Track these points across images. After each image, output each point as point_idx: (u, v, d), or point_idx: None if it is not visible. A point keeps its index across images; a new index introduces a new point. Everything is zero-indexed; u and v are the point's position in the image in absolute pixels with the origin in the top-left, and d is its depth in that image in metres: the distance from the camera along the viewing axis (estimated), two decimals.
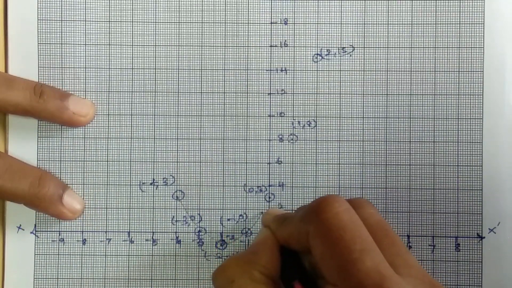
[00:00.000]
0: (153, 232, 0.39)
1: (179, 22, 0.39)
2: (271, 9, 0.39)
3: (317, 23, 0.39)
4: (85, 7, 0.39)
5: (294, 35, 0.39)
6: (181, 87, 0.39)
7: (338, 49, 0.39)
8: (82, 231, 0.39)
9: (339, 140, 0.39)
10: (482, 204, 0.39)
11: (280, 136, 0.39)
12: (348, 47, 0.39)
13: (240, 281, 0.29)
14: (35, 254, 0.39)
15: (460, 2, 0.39)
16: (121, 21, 0.39)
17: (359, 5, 0.39)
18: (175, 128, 0.39)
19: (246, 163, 0.39)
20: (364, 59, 0.39)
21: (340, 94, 0.39)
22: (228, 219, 0.39)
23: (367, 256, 0.27)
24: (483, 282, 0.38)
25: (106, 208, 0.39)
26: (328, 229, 0.28)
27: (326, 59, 0.39)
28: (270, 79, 0.39)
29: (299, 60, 0.39)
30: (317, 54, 0.39)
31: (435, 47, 0.39)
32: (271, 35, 0.39)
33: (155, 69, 0.39)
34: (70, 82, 0.39)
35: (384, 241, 0.29)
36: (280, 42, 0.39)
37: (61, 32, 0.39)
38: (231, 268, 0.30)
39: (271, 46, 0.39)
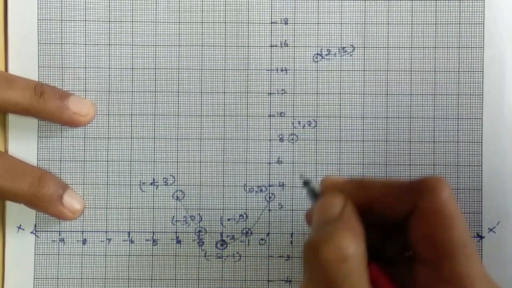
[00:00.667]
0: (153, 232, 0.39)
1: (179, 22, 0.39)
2: (271, 9, 0.39)
3: (318, 23, 0.39)
4: (85, 7, 0.39)
5: (294, 35, 0.39)
6: (181, 87, 0.39)
7: (339, 49, 0.39)
8: (82, 231, 0.39)
9: (339, 140, 0.39)
10: (482, 204, 0.39)
11: (280, 136, 0.39)
12: (348, 47, 0.39)
13: (354, 262, 0.26)
14: (35, 254, 0.39)
15: (460, 2, 0.39)
16: (121, 21, 0.39)
17: (359, 5, 0.39)
18: (175, 128, 0.39)
19: (246, 163, 0.39)
20: (364, 59, 0.39)
21: (340, 94, 0.39)
22: (228, 219, 0.39)
23: (472, 251, 0.27)
24: None
25: (106, 208, 0.39)
26: (443, 210, 0.27)
27: (327, 59, 0.39)
28: (270, 79, 0.39)
29: (299, 60, 0.39)
30: (318, 54, 0.39)
31: (435, 47, 0.39)
32: (271, 35, 0.39)
33: (155, 69, 0.39)
34: (70, 82, 0.39)
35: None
36: (281, 42, 0.39)
37: (61, 32, 0.39)
38: (344, 241, 0.26)
39: (271, 46, 0.39)
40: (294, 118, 0.39)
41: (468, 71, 0.39)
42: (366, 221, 0.28)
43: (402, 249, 0.29)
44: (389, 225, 0.29)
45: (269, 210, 0.39)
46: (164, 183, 0.39)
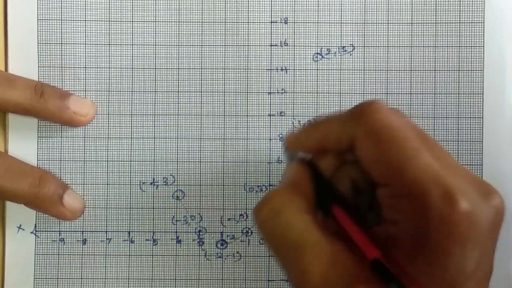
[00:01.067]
0: (153, 232, 0.39)
1: (179, 22, 0.40)
2: (271, 8, 0.39)
3: (317, 22, 0.39)
4: (85, 7, 0.39)
5: (294, 34, 0.39)
6: (181, 87, 0.39)
7: (339, 48, 0.39)
8: (83, 231, 0.39)
9: None
10: None
11: (280, 136, 0.39)
12: (348, 46, 0.39)
13: (287, 212, 0.28)
14: (35, 254, 0.39)
15: (460, 1, 0.39)
16: (121, 21, 0.39)
17: (359, 4, 0.39)
18: (175, 128, 0.39)
19: (247, 162, 0.39)
20: (364, 58, 0.39)
21: (340, 93, 0.39)
22: (229, 219, 0.39)
23: (422, 154, 0.27)
24: None
25: (106, 208, 0.39)
26: (380, 129, 0.28)
27: (327, 58, 0.39)
28: (270, 78, 0.39)
29: (299, 59, 0.39)
30: (317, 53, 0.39)
31: (435, 46, 0.39)
32: (271, 34, 0.39)
33: (155, 69, 0.39)
34: (70, 81, 0.39)
35: (424, 145, 0.28)
36: (280, 41, 0.39)
37: (61, 32, 0.39)
38: (276, 200, 0.29)
39: (271, 45, 0.39)
40: (294, 117, 0.39)
41: (469, 70, 0.39)
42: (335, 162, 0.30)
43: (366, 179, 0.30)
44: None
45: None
46: (164, 183, 0.39)
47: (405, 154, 0.27)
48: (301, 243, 0.28)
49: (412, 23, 0.39)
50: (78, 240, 0.39)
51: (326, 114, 0.31)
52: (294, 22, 0.39)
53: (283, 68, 0.39)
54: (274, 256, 0.29)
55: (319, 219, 0.29)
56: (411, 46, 0.39)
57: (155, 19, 0.39)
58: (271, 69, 0.39)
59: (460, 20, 0.39)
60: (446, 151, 0.30)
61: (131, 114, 0.39)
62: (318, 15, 0.39)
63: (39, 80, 0.39)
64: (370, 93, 0.39)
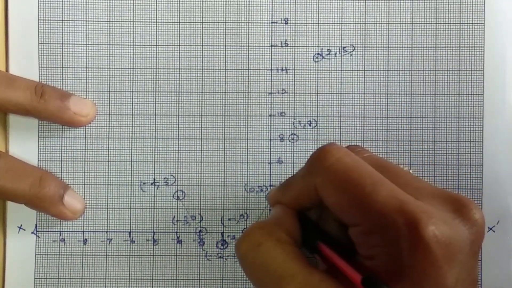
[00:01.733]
0: (154, 232, 0.39)
1: (179, 22, 0.39)
2: (272, 8, 0.39)
3: (318, 23, 0.39)
4: (86, 7, 0.39)
5: (294, 34, 0.39)
6: (182, 87, 0.39)
7: (339, 49, 0.39)
8: (83, 231, 0.39)
9: (340, 140, 0.39)
10: (482, 203, 0.39)
11: (281, 136, 0.39)
12: (348, 47, 0.39)
13: (268, 243, 0.29)
14: (36, 254, 0.39)
15: (460, 2, 0.39)
16: (121, 21, 0.39)
17: (360, 4, 0.39)
18: (176, 128, 0.39)
19: (247, 163, 0.39)
20: (364, 58, 0.39)
21: (341, 93, 0.39)
22: (229, 219, 0.39)
23: (380, 187, 0.27)
24: (482, 280, 0.38)
25: (107, 208, 0.39)
26: (334, 174, 0.28)
27: (327, 58, 0.39)
28: (271, 78, 0.39)
29: (299, 60, 0.39)
30: (318, 53, 0.39)
31: (435, 47, 0.39)
32: (271, 34, 0.39)
33: (156, 69, 0.39)
34: (70, 82, 0.39)
35: (388, 176, 0.29)
36: (281, 41, 0.39)
37: (62, 32, 0.39)
38: (257, 232, 0.30)
39: (271, 46, 0.39)
40: (295, 118, 0.39)
41: (469, 71, 0.39)
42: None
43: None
44: None
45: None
46: (165, 183, 0.39)
47: (363, 192, 0.27)
48: (282, 274, 0.28)
49: (412, 23, 0.39)
50: (78, 240, 0.39)
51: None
52: (295, 23, 0.39)
53: (284, 68, 0.39)
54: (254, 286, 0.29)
55: (300, 252, 0.29)
56: (411, 47, 0.39)
57: (155, 19, 0.39)
58: (271, 70, 0.39)
59: (460, 21, 0.39)
60: (412, 175, 0.30)
61: (132, 114, 0.39)
62: (318, 16, 0.39)
63: (40, 80, 0.39)
64: (370, 93, 0.39)
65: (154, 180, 0.39)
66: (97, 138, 0.39)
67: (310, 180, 0.29)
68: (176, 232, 0.39)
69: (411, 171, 0.33)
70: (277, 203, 0.32)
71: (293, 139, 0.39)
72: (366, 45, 0.39)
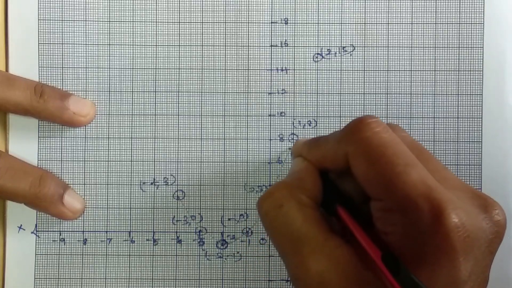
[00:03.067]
0: (153, 232, 0.39)
1: (179, 22, 0.40)
2: (272, 8, 0.39)
3: (318, 23, 0.39)
4: (85, 7, 0.39)
5: (294, 34, 0.39)
6: (182, 87, 0.39)
7: (339, 49, 0.39)
8: (83, 231, 0.39)
9: None
10: None
11: (280, 136, 0.39)
12: (348, 47, 0.39)
13: (289, 205, 0.29)
14: (36, 254, 0.39)
15: (460, 2, 0.39)
16: (121, 21, 0.39)
17: (360, 4, 0.39)
18: (175, 128, 0.39)
19: (247, 162, 0.39)
20: (364, 58, 0.39)
21: (340, 93, 0.39)
22: (229, 219, 0.39)
23: (412, 169, 0.27)
24: None
25: (107, 208, 0.39)
26: (369, 147, 0.28)
27: (327, 58, 0.39)
28: (271, 78, 0.39)
29: (299, 60, 0.39)
30: (318, 53, 0.39)
31: (435, 47, 0.39)
32: (271, 34, 0.39)
33: (156, 69, 0.39)
34: (70, 82, 0.39)
35: (420, 158, 0.29)
36: (281, 41, 0.39)
37: (62, 32, 0.39)
38: (279, 193, 0.30)
39: (271, 46, 0.39)
40: (294, 118, 0.39)
41: (468, 71, 0.39)
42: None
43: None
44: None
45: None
46: (165, 183, 0.39)
47: (394, 170, 0.27)
48: (299, 236, 0.28)
49: (412, 23, 0.39)
50: (78, 240, 0.39)
51: (326, 133, 0.32)
52: (295, 23, 0.39)
53: (284, 68, 0.39)
54: (276, 248, 0.30)
55: (320, 216, 0.29)
56: (411, 47, 0.39)
57: (155, 19, 0.39)
58: (271, 70, 0.39)
59: (460, 21, 0.39)
60: (443, 165, 0.31)
61: (132, 114, 0.39)
62: (318, 16, 0.39)
63: (40, 80, 0.39)
64: (370, 93, 0.39)
65: (154, 180, 0.39)
66: (97, 138, 0.39)
67: (343, 146, 0.29)
68: (176, 232, 0.39)
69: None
70: (300, 157, 0.32)
71: (293, 139, 0.39)
72: (366, 45, 0.39)
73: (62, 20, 0.39)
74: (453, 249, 0.26)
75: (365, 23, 0.39)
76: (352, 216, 0.29)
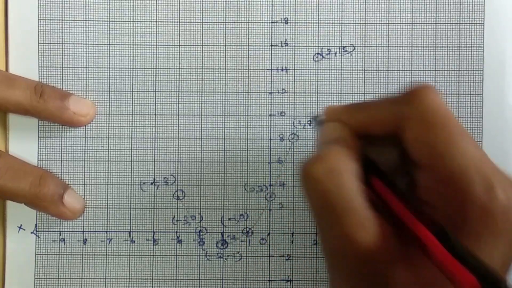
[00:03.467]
0: (154, 232, 0.39)
1: (179, 22, 0.40)
2: (272, 8, 0.39)
3: (318, 22, 0.39)
4: (86, 7, 0.39)
5: (294, 34, 0.39)
6: (182, 87, 0.39)
7: (339, 48, 0.39)
8: (83, 231, 0.39)
9: None
10: None
11: (281, 136, 0.39)
12: (348, 46, 0.39)
13: (344, 174, 0.28)
14: (36, 254, 0.39)
15: (460, 1, 0.39)
16: (121, 21, 0.39)
17: (360, 4, 0.39)
18: (175, 128, 0.39)
19: (247, 162, 0.39)
20: (364, 58, 0.39)
21: (341, 93, 0.39)
22: (229, 219, 0.39)
23: (468, 141, 0.27)
24: None
25: (107, 208, 0.39)
26: (431, 112, 0.28)
27: (327, 58, 0.39)
28: (271, 78, 0.39)
29: (299, 60, 0.39)
30: (318, 53, 0.39)
31: (435, 46, 0.39)
32: (271, 34, 0.39)
33: (156, 69, 0.39)
34: (70, 82, 0.39)
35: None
36: (281, 41, 0.39)
37: (62, 32, 0.39)
38: (333, 159, 0.28)
39: (271, 46, 0.39)
40: (295, 117, 0.39)
41: (468, 71, 0.39)
42: (368, 142, 0.30)
43: (403, 162, 0.30)
44: (390, 141, 0.30)
45: (270, 209, 0.39)
46: (165, 183, 0.39)
47: (452, 140, 0.27)
48: (351, 206, 0.27)
49: (412, 23, 0.39)
50: (78, 240, 0.39)
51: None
52: (295, 22, 0.39)
53: (284, 68, 0.39)
54: (315, 217, 0.29)
55: (363, 187, 0.29)
56: (411, 46, 0.39)
57: (155, 19, 0.39)
58: (271, 69, 0.39)
59: (460, 21, 0.39)
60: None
61: (132, 114, 0.39)
62: (318, 15, 0.39)
63: (40, 80, 0.39)
64: (370, 93, 0.39)
65: (154, 180, 0.39)
66: (97, 138, 0.39)
67: (399, 107, 0.29)
68: (176, 232, 0.39)
69: None
70: (338, 121, 0.31)
71: (293, 139, 0.39)
72: (366, 45, 0.39)
73: (62, 20, 0.39)
74: (498, 227, 0.26)
75: (365, 23, 0.39)
76: (387, 187, 0.29)
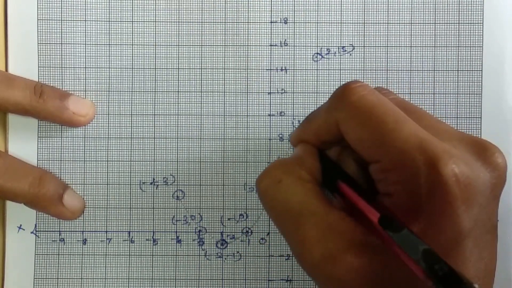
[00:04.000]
0: (153, 231, 0.39)
1: (179, 22, 0.40)
2: (271, 8, 0.39)
3: (317, 22, 0.39)
4: (85, 7, 0.39)
5: (294, 34, 0.39)
6: (181, 87, 0.39)
7: (338, 48, 0.39)
8: (83, 231, 0.39)
9: None
10: None
11: (280, 136, 0.39)
12: (348, 46, 0.39)
13: (288, 180, 0.29)
14: (35, 254, 0.39)
15: (459, 2, 0.39)
16: (121, 21, 0.39)
17: (359, 4, 0.39)
18: (175, 128, 0.39)
19: (247, 162, 0.39)
20: (364, 58, 0.39)
21: None
22: (229, 219, 0.39)
23: (403, 125, 0.27)
24: None
25: (107, 208, 0.39)
26: (358, 110, 0.28)
27: (326, 58, 0.39)
28: (270, 78, 0.39)
29: (299, 59, 0.39)
30: (317, 53, 0.39)
31: (434, 46, 0.39)
32: (271, 34, 0.39)
33: (155, 69, 0.39)
34: (70, 82, 0.39)
35: (412, 117, 0.29)
36: (280, 41, 0.39)
37: (61, 32, 0.39)
38: (278, 169, 0.30)
39: (271, 45, 0.39)
40: (294, 117, 0.39)
41: (467, 71, 0.39)
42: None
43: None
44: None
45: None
46: (164, 183, 0.39)
47: (386, 128, 0.27)
48: (301, 210, 0.28)
49: (411, 23, 0.39)
50: (78, 240, 0.39)
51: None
52: (294, 22, 0.39)
53: (283, 68, 0.39)
54: (276, 226, 0.30)
55: (321, 190, 0.29)
56: (411, 46, 0.39)
57: (155, 19, 0.40)
58: (270, 69, 0.39)
59: (459, 21, 0.39)
60: (437, 119, 0.30)
61: (131, 114, 0.39)
62: (318, 15, 0.39)
63: (39, 80, 0.39)
64: None
65: (154, 180, 0.39)
66: (96, 138, 0.39)
67: (332, 114, 0.29)
68: (176, 231, 0.39)
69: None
70: (299, 142, 0.32)
71: None
72: (365, 45, 0.39)
73: (61, 20, 0.39)
74: (454, 198, 0.26)
75: (364, 23, 0.39)
76: (354, 190, 0.29)
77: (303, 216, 0.28)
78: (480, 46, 0.39)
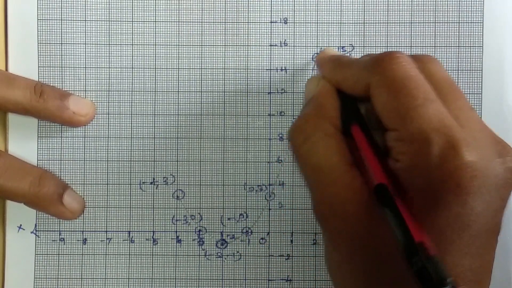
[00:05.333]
0: (153, 231, 0.39)
1: (179, 22, 0.40)
2: (271, 8, 0.39)
3: (317, 22, 0.39)
4: (85, 7, 0.39)
5: (294, 34, 0.39)
6: (181, 87, 0.39)
7: (338, 48, 0.39)
8: (83, 231, 0.39)
9: None
10: None
11: (280, 135, 0.39)
12: (347, 46, 0.39)
13: (315, 137, 0.30)
14: (35, 254, 0.39)
15: (459, 1, 0.39)
16: (121, 21, 0.39)
17: (359, 4, 0.39)
18: (175, 128, 0.39)
19: (247, 162, 0.39)
20: None
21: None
22: (229, 218, 0.39)
23: (430, 104, 0.28)
24: None
25: (107, 207, 0.39)
26: (393, 78, 0.29)
27: None
28: (270, 78, 0.39)
29: (299, 59, 0.39)
30: (317, 53, 0.39)
31: (434, 46, 0.39)
32: (271, 34, 0.39)
33: (155, 68, 0.39)
34: (70, 81, 0.39)
35: (448, 96, 0.29)
36: (280, 41, 0.39)
37: (61, 32, 0.39)
38: (306, 125, 0.31)
39: (271, 45, 0.39)
40: (294, 117, 0.39)
41: (467, 70, 0.39)
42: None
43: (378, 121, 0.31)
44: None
45: (269, 209, 0.39)
46: (164, 183, 0.39)
47: (413, 103, 0.28)
48: (322, 167, 0.29)
49: (411, 22, 0.39)
50: (78, 240, 0.39)
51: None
52: (294, 22, 0.39)
53: (283, 68, 0.39)
54: (304, 180, 0.31)
55: (344, 146, 0.30)
56: (411, 46, 0.39)
57: (155, 19, 0.40)
58: (270, 69, 0.39)
59: (459, 20, 0.39)
60: (470, 106, 0.31)
61: (131, 114, 0.39)
62: (317, 15, 0.39)
63: (39, 80, 0.39)
64: None
65: (154, 179, 0.39)
66: (96, 137, 0.39)
67: (367, 75, 0.30)
68: (176, 231, 0.39)
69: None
70: (317, 77, 0.33)
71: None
72: (365, 45, 0.39)
73: (61, 20, 0.39)
74: (459, 186, 0.26)
75: (364, 23, 0.39)
76: (366, 138, 0.30)
77: (324, 173, 0.29)
78: (480, 46, 0.39)
